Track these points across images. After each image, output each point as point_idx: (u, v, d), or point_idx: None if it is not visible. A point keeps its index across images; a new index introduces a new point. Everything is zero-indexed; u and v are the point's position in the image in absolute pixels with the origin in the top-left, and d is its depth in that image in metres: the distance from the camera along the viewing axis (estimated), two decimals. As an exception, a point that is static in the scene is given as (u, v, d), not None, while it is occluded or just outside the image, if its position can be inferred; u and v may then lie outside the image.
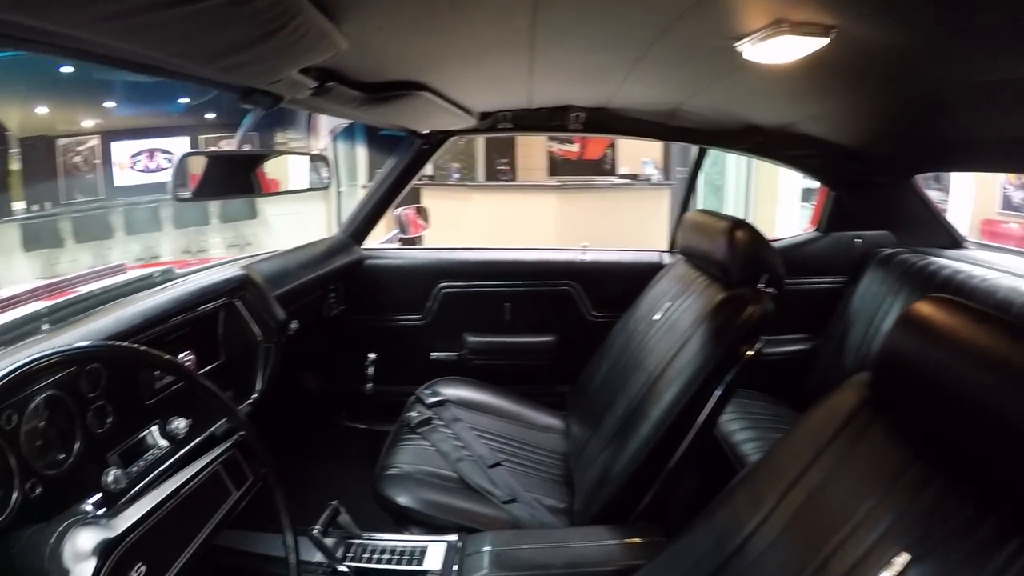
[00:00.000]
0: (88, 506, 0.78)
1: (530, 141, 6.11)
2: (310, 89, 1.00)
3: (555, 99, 1.74)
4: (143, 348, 0.85)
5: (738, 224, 1.30)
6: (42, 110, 7.72)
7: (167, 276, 1.39)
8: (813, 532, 0.71)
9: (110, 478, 0.94)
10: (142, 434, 1.06)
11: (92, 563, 0.64)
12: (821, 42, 0.87)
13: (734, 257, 1.26)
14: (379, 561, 1.13)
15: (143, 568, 0.68)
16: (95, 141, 8.33)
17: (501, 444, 1.48)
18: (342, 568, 1.11)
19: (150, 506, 0.73)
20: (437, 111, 1.47)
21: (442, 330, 2.01)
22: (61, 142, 8.14)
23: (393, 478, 1.33)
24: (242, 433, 0.92)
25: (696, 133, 1.90)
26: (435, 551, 1.13)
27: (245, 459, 0.91)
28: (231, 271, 1.36)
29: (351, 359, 2.01)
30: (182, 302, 1.18)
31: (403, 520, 1.27)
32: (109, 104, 8.19)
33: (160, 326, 1.11)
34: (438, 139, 1.92)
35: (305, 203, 8.32)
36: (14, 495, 0.83)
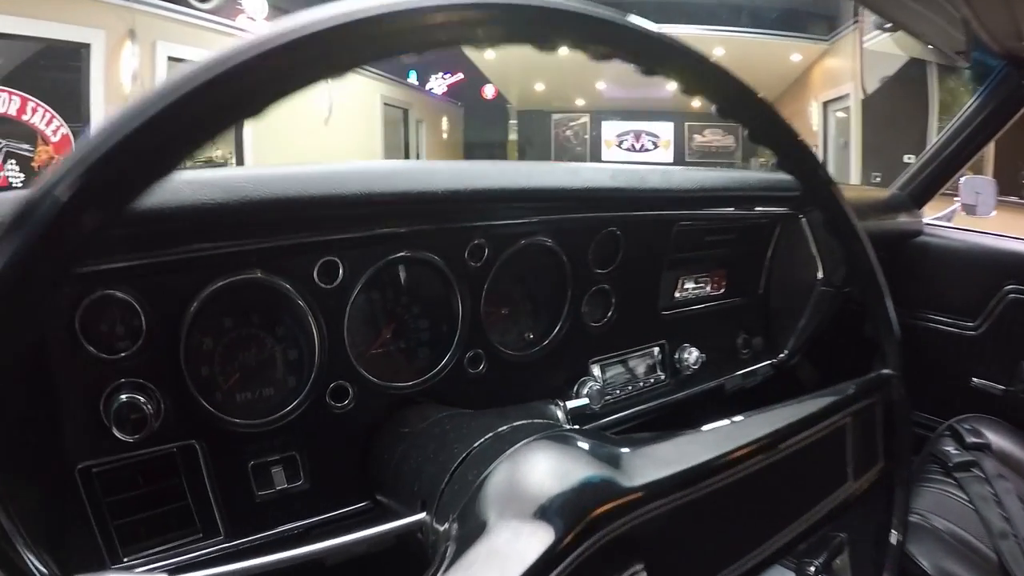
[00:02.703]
0: (558, 411, 0.51)
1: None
2: None
3: None
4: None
5: None
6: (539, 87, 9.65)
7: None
8: None
9: (585, 390, 0.70)
10: (641, 351, 0.82)
11: (552, 529, 0.28)
12: None
13: None
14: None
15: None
16: (585, 118, 10.20)
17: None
18: None
19: (698, 459, 0.33)
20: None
21: (998, 348, 1.46)
22: (555, 117, 10.25)
23: (916, 529, 0.99)
24: (888, 370, 0.44)
25: None
26: None
27: (885, 431, 0.44)
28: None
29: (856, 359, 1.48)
30: (738, 188, 0.87)
31: None
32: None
33: (707, 209, 0.84)
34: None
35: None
36: (446, 356, 0.62)
